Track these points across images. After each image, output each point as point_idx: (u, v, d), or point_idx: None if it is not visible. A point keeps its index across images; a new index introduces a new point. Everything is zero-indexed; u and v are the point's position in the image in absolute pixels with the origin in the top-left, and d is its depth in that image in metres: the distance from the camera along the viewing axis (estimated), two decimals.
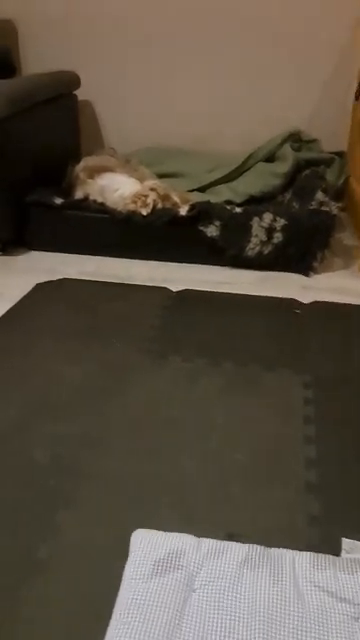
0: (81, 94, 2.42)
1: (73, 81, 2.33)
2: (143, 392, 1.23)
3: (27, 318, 1.54)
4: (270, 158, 2.32)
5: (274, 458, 1.04)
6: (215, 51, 2.37)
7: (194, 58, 2.39)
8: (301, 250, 1.87)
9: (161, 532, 0.83)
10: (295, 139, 2.34)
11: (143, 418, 1.14)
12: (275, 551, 0.81)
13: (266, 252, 1.87)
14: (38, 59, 2.42)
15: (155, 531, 0.83)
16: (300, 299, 1.70)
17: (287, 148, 2.29)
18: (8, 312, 1.56)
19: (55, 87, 2.14)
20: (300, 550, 0.81)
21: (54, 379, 1.26)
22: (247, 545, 0.81)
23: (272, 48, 2.33)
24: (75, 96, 2.39)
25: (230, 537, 0.87)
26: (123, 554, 0.80)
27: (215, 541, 0.82)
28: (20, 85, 1.85)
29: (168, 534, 0.83)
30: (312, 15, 2.26)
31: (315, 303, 1.67)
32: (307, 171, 2.24)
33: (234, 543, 0.82)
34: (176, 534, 0.82)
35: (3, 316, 1.54)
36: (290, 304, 1.68)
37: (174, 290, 1.74)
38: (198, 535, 0.82)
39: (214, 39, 2.35)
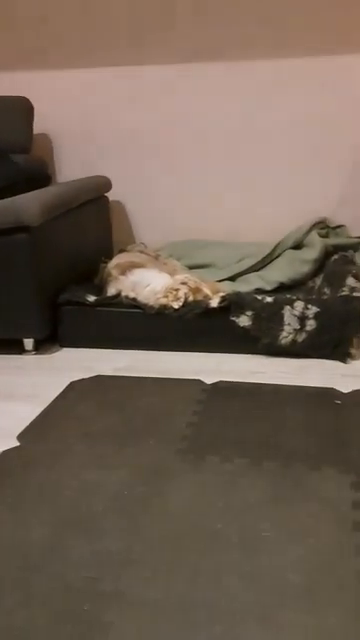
0: (112, 195, 2.55)
1: (105, 185, 2.47)
2: (182, 500, 1.16)
3: (59, 421, 1.52)
4: (298, 245, 2.34)
5: (330, 576, 0.95)
6: (237, 150, 2.48)
7: (217, 157, 2.50)
8: (336, 337, 1.83)
9: None
10: (322, 226, 2.38)
11: (184, 532, 1.07)
12: None
13: (300, 340, 1.83)
14: (70, 166, 2.60)
15: None
16: (339, 388, 1.64)
17: (314, 235, 2.32)
18: (41, 415, 1.55)
19: (87, 192, 2.26)
20: None
21: (87, 489, 1.21)
22: None
23: (295, 144, 2.43)
24: (107, 198, 2.51)
25: None
26: None
27: None
28: (54, 194, 1.95)
29: None
30: (331, 115, 2.37)
31: (356, 392, 1.61)
32: (336, 256, 2.26)
33: None
34: None
35: (36, 419, 1.52)
36: (329, 394, 1.61)
37: (208, 382, 1.71)
38: None
39: (236, 139, 2.47)
